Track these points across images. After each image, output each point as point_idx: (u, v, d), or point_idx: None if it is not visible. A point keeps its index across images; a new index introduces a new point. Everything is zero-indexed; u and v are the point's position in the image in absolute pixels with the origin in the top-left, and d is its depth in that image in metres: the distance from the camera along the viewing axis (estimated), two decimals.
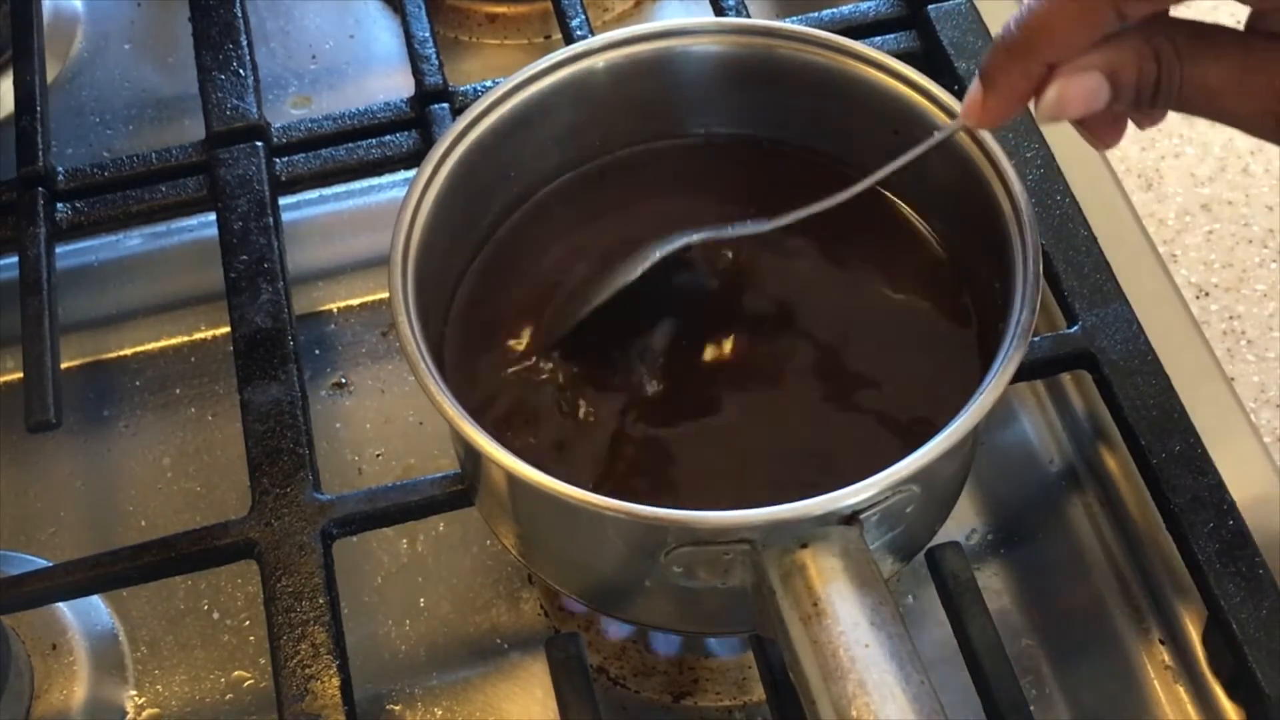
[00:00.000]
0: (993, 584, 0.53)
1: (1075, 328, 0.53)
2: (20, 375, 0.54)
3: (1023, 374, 0.52)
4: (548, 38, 0.70)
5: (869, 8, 0.62)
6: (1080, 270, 0.54)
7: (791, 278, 0.49)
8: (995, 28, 0.60)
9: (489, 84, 0.60)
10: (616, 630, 0.52)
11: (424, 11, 0.63)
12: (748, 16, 0.62)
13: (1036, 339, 0.52)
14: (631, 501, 0.39)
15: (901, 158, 0.45)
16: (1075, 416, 0.57)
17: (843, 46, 0.49)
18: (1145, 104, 0.41)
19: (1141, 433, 0.50)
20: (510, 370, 0.48)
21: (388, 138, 0.60)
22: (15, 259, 0.57)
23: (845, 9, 0.62)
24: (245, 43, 0.63)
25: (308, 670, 0.47)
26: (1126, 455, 0.52)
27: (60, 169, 0.60)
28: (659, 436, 0.46)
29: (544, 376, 0.48)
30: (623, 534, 0.42)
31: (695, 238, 0.47)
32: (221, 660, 0.53)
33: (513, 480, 0.43)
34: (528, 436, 0.46)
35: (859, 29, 0.61)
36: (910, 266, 0.49)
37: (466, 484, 0.49)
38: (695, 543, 0.40)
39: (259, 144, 0.60)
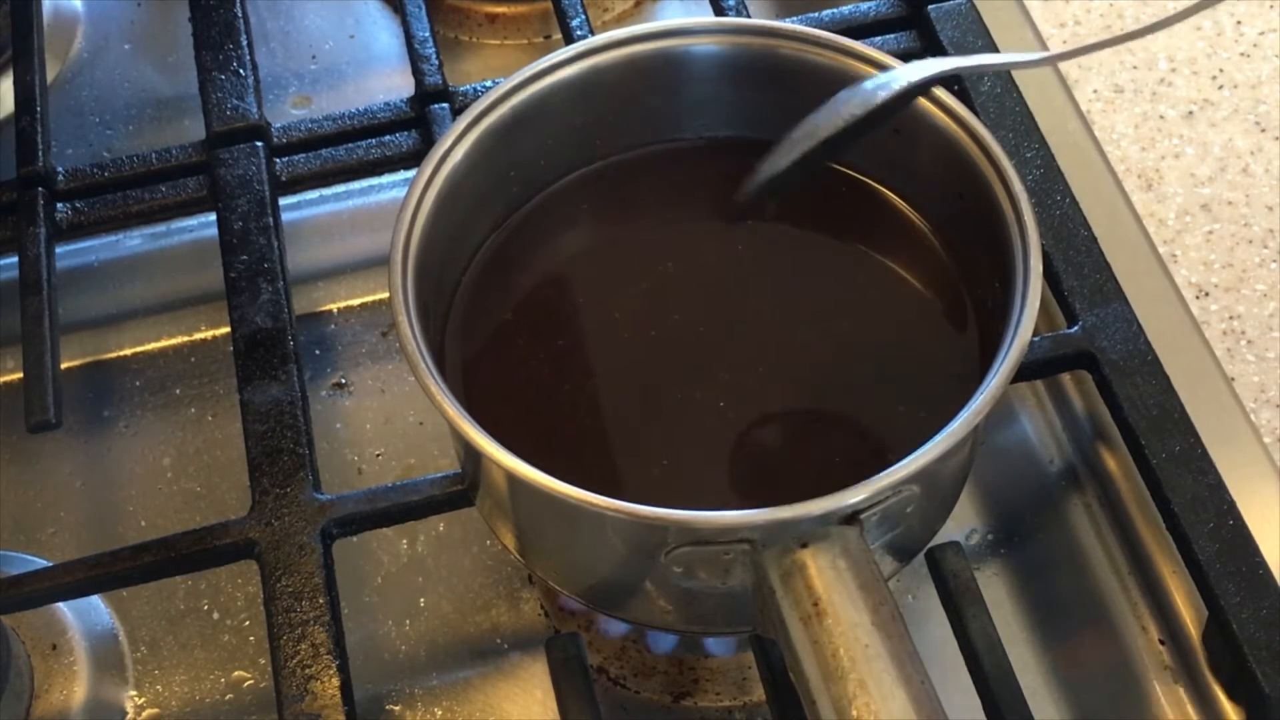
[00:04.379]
0: (993, 584, 0.53)
1: (1075, 328, 0.53)
2: (20, 375, 0.54)
3: (1023, 374, 0.52)
4: (548, 38, 0.70)
5: (869, 8, 0.62)
6: (1080, 270, 0.54)
7: (790, 276, 0.49)
8: (995, 28, 0.61)
9: (489, 84, 0.60)
10: (615, 628, 0.52)
11: (424, 11, 0.63)
12: (748, 16, 0.62)
13: (1036, 339, 0.52)
14: (631, 501, 0.40)
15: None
16: (1075, 416, 0.57)
17: (843, 46, 0.49)
18: None
19: (1141, 433, 0.50)
20: (511, 369, 0.48)
21: (388, 138, 0.60)
22: (15, 259, 0.57)
23: (845, 9, 0.62)
24: (245, 43, 0.63)
25: (308, 670, 0.47)
26: (1126, 455, 0.52)
27: (60, 169, 0.60)
28: (659, 436, 0.46)
29: (545, 376, 0.48)
30: (623, 534, 0.42)
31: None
32: (221, 660, 0.53)
33: (513, 480, 0.43)
34: (528, 436, 0.46)
35: (859, 29, 0.61)
36: (910, 266, 0.49)
37: (466, 484, 0.49)
38: (695, 542, 0.40)
39: (259, 144, 0.60)
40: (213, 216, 0.58)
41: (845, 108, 0.45)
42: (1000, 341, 0.42)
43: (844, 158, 0.49)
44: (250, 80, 0.61)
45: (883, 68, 0.48)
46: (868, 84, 0.45)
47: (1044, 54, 0.44)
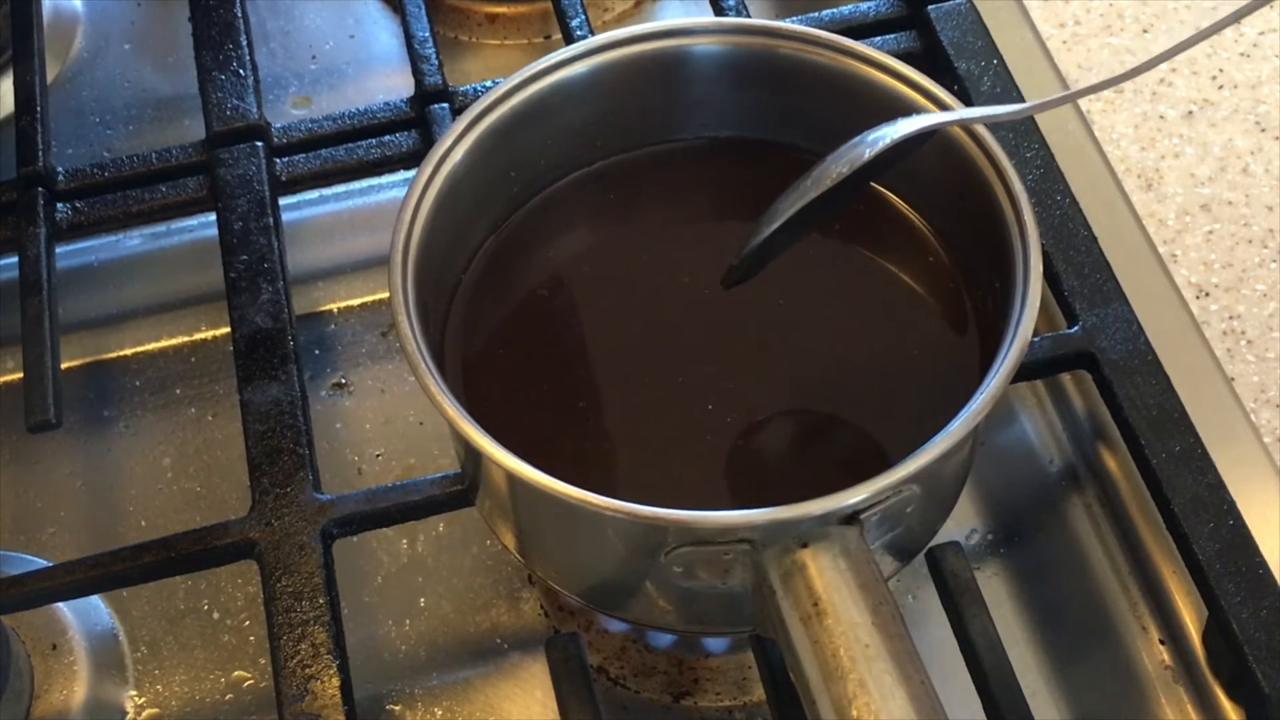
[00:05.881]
0: (993, 584, 0.53)
1: (1075, 328, 0.53)
2: (20, 375, 0.54)
3: (1023, 374, 0.52)
4: (548, 38, 0.70)
5: (869, 8, 0.62)
6: (1080, 270, 0.54)
7: (790, 276, 0.49)
8: (995, 28, 0.61)
9: (489, 84, 0.60)
10: (615, 627, 0.52)
11: (424, 11, 0.63)
12: (748, 16, 0.62)
13: (1036, 339, 0.52)
14: (631, 501, 0.40)
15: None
16: (1075, 416, 0.57)
17: (843, 46, 0.49)
18: None
19: (1141, 433, 0.50)
20: (511, 369, 0.48)
21: (388, 138, 0.60)
22: (15, 259, 0.57)
23: (845, 9, 0.62)
24: (245, 43, 0.63)
25: (308, 670, 0.47)
26: (1126, 455, 0.52)
27: (60, 169, 0.60)
28: (659, 436, 0.46)
29: (545, 375, 0.48)
30: (623, 534, 0.42)
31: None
32: (221, 660, 0.53)
33: (513, 480, 0.43)
34: (528, 436, 0.46)
35: (859, 29, 0.61)
36: (910, 267, 0.50)
37: (466, 484, 0.49)
38: (695, 542, 0.40)
39: (259, 144, 0.60)
40: (213, 216, 0.58)
41: (834, 167, 0.44)
42: (1000, 341, 0.42)
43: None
44: (250, 80, 0.61)
45: (882, 68, 0.48)
46: (864, 139, 0.45)
47: (1038, 102, 0.45)
